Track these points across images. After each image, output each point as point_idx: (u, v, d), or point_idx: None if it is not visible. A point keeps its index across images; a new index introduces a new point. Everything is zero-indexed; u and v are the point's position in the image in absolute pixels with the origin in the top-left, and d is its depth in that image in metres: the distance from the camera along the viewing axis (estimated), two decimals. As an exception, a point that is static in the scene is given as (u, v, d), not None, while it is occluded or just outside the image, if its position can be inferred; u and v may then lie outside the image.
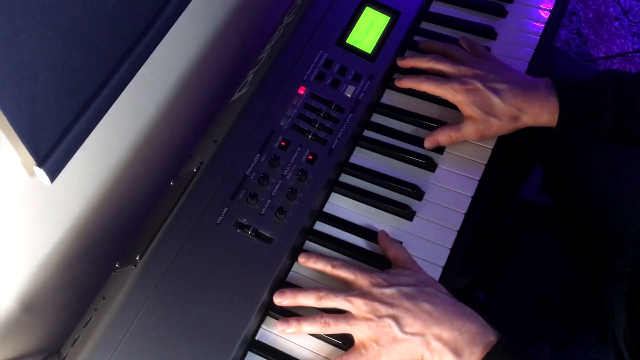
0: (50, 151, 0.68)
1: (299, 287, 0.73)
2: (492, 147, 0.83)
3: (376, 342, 0.67)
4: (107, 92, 0.72)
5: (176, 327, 0.68)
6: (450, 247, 0.76)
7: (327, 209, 0.80)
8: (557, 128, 0.79)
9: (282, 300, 0.71)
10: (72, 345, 0.72)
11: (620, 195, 0.88)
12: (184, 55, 0.93)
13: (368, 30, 0.89)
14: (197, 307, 0.69)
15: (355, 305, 0.68)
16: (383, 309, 0.67)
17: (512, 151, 0.85)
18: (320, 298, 0.69)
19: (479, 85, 0.80)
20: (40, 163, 0.67)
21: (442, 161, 0.82)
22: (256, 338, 0.71)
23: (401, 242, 0.76)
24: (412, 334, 0.66)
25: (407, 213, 0.78)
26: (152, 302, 0.69)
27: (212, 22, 0.97)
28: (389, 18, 0.90)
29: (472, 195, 0.79)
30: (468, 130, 0.81)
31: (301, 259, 0.74)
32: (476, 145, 0.83)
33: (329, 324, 0.68)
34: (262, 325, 0.72)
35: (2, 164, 0.67)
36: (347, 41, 0.88)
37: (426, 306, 0.67)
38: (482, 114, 0.79)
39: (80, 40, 0.66)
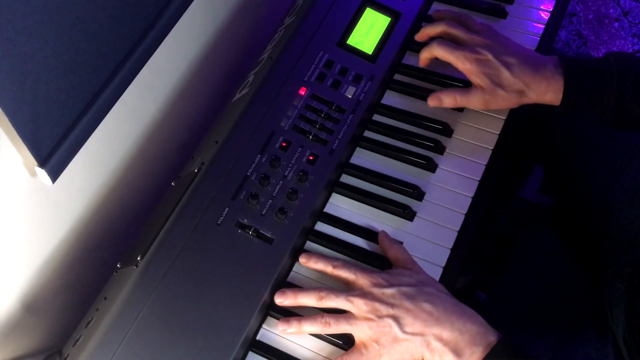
0: (52, 152, 0.68)
1: (299, 287, 0.73)
2: (492, 148, 0.83)
3: (377, 342, 0.67)
4: (109, 93, 0.72)
5: (177, 327, 0.68)
6: (450, 247, 0.76)
7: (328, 209, 0.80)
8: (559, 107, 0.80)
9: (283, 300, 0.71)
10: (73, 345, 0.72)
11: (620, 195, 0.88)
12: (186, 56, 0.93)
13: (369, 31, 0.89)
14: (198, 307, 0.69)
15: (355, 305, 0.68)
16: (383, 309, 0.67)
17: (512, 151, 0.85)
18: (321, 298, 0.70)
19: (490, 56, 0.80)
20: (42, 163, 0.67)
21: (443, 161, 0.83)
22: (257, 338, 0.71)
23: (402, 243, 0.76)
24: (413, 334, 0.66)
25: (407, 213, 0.78)
26: (153, 302, 0.69)
27: (213, 23, 0.97)
28: (390, 19, 0.90)
29: (472, 195, 0.80)
30: (475, 97, 0.81)
31: (302, 259, 0.75)
32: (476, 145, 0.84)
33: (329, 324, 0.69)
34: (263, 325, 0.72)
35: (3, 164, 0.67)
36: (347, 42, 0.88)
37: (426, 306, 0.67)
38: (490, 84, 0.80)
39: (82, 41, 0.66)
